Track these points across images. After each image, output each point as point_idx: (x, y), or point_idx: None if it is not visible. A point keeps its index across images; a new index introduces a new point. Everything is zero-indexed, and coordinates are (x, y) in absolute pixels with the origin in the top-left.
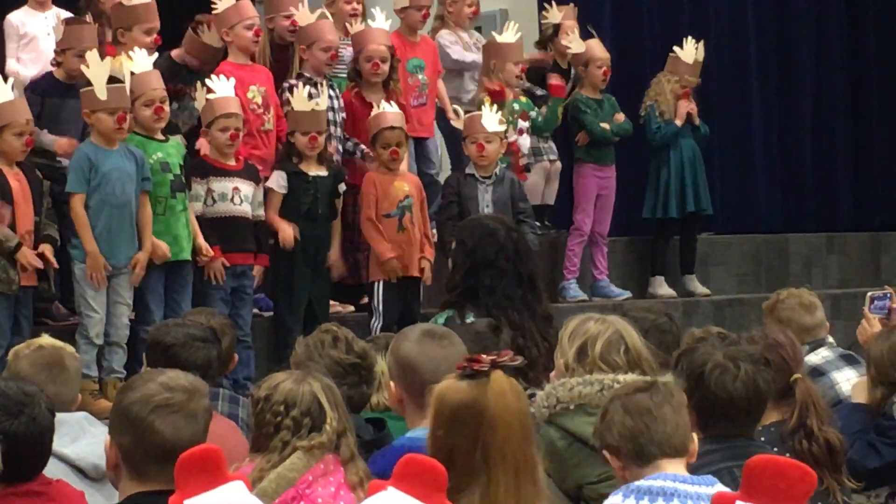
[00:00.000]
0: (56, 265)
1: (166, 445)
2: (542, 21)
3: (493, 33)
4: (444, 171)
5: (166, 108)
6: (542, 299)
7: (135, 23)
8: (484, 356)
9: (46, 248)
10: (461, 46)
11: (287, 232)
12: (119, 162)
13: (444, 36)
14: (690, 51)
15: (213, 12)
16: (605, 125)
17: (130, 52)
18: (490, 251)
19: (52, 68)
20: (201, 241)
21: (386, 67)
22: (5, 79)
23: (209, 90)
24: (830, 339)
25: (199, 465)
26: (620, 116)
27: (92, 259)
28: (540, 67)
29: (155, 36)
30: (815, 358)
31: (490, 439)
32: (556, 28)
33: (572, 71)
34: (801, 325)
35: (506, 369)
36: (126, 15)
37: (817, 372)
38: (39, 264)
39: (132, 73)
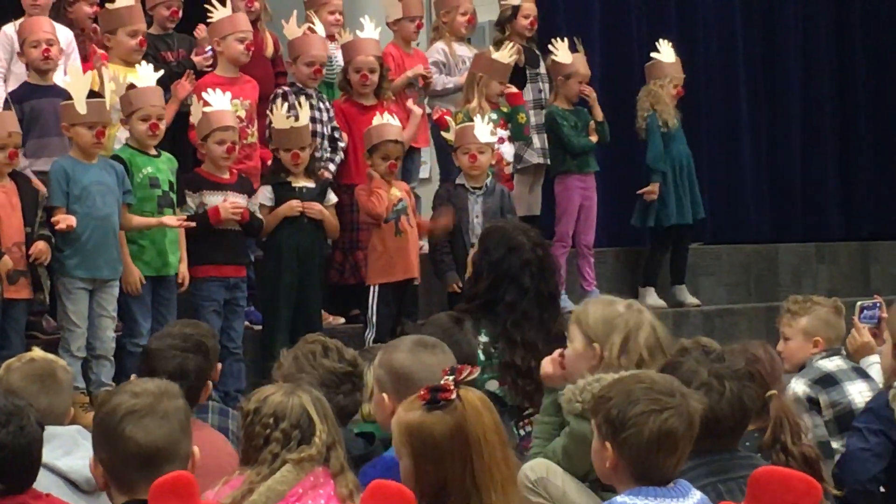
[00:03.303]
0: (48, 258)
1: (141, 450)
2: (501, 3)
3: (491, 48)
4: (434, 183)
5: (162, 126)
6: (558, 318)
7: (119, 25)
8: (448, 380)
9: (40, 244)
10: (445, 72)
11: (292, 204)
12: (98, 175)
13: (434, 54)
14: (667, 50)
15: (208, 21)
16: (584, 136)
17: (137, 66)
18: (515, 266)
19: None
20: (184, 268)
21: (375, 78)
22: None
23: (205, 103)
24: (843, 350)
25: (171, 492)
26: (593, 137)
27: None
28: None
29: (140, 38)
30: (830, 364)
31: (478, 462)
32: (515, 10)
33: (527, 70)
34: (838, 333)
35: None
36: (110, 18)
37: (831, 379)
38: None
39: (133, 86)
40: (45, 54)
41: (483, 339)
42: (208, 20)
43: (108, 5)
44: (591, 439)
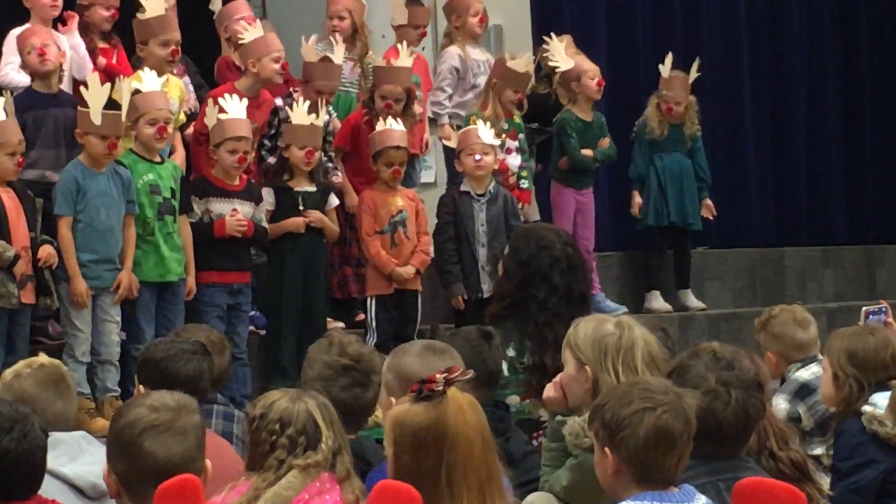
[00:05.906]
0: (56, 261)
1: (159, 466)
2: (543, 56)
3: (507, 55)
4: (439, 188)
5: (170, 129)
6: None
7: (150, 36)
8: (438, 375)
9: (47, 248)
10: (461, 76)
11: (297, 222)
12: (105, 186)
13: (449, 60)
14: (666, 65)
15: (239, 43)
16: (589, 152)
17: (140, 72)
18: (544, 264)
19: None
20: (191, 280)
21: (399, 107)
22: None
23: (220, 109)
24: (821, 357)
25: (177, 496)
26: (606, 142)
27: (74, 285)
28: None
29: (173, 48)
30: (805, 374)
31: (453, 458)
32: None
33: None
34: (794, 341)
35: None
36: (142, 29)
37: (808, 388)
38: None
39: (138, 91)
40: (41, 55)
41: (510, 353)
42: (240, 41)
43: (139, 15)
44: None
